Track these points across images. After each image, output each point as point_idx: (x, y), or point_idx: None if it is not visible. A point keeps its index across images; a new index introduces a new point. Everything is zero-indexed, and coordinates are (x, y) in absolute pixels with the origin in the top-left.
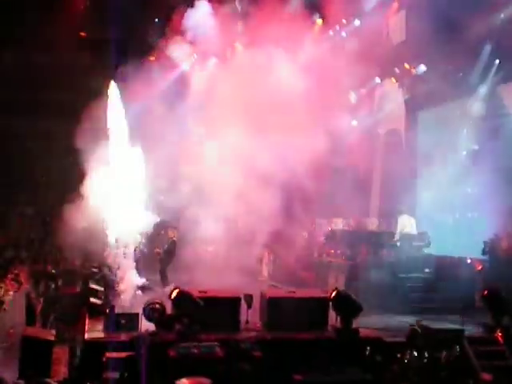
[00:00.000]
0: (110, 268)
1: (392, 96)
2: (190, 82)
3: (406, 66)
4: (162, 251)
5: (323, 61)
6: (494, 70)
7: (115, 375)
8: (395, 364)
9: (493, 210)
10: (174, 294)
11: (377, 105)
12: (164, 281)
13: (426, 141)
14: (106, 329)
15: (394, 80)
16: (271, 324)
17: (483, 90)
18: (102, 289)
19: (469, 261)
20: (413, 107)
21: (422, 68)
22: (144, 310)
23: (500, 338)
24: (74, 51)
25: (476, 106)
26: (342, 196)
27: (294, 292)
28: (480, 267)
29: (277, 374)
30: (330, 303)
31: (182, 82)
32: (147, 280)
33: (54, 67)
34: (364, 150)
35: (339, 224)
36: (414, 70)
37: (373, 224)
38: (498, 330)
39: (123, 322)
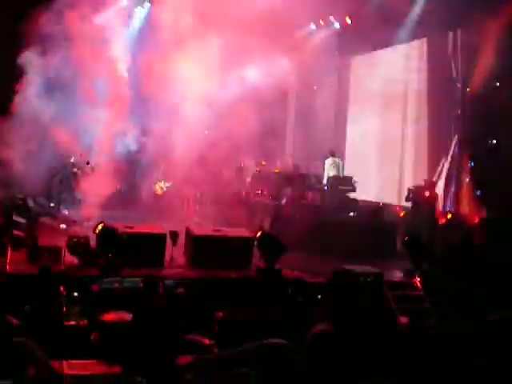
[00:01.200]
0: (34, 199)
1: None
2: None
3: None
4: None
5: None
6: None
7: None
8: (315, 305)
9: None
10: (99, 229)
11: None
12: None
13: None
14: (28, 261)
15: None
16: (195, 262)
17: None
18: (25, 221)
19: (392, 206)
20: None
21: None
22: (68, 243)
23: (418, 283)
24: None
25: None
26: (271, 136)
27: (220, 230)
28: (402, 213)
29: (199, 312)
30: (255, 243)
31: None
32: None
33: None
34: None
35: (267, 164)
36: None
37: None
38: (417, 275)
39: (46, 255)
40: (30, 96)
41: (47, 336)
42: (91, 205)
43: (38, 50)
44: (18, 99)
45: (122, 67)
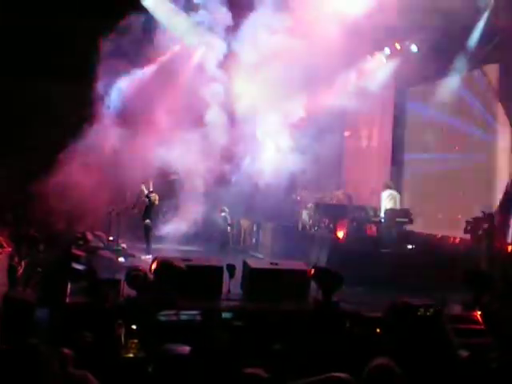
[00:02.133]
0: (93, 233)
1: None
2: None
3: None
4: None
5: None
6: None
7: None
8: (374, 338)
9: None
10: (157, 262)
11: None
12: (148, 246)
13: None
14: (87, 294)
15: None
16: (253, 295)
17: None
18: (85, 254)
19: (451, 239)
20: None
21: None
22: (126, 276)
23: (479, 317)
24: None
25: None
26: (328, 168)
27: (277, 264)
28: (460, 246)
29: (256, 345)
30: (312, 275)
31: None
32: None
33: None
34: None
35: (325, 197)
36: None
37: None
38: (477, 309)
39: (105, 288)
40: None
41: (104, 369)
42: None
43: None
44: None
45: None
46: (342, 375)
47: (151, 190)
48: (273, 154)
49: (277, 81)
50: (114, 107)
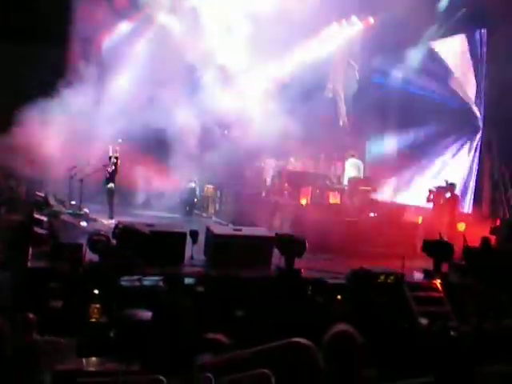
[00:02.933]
0: (56, 198)
1: None
2: None
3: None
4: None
5: None
6: None
7: (58, 304)
8: (335, 305)
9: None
10: (119, 227)
11: None
12: (111, 211)
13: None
14: (49, 258)
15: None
16: (215, 261)
17: None
18: (47, 218)
19: (412, 207)
20: None
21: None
22: (88, 240)
23: (439, 285)
24: None
25: None
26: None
27: (240, 230)
28: (421, 215)
29: (219, 311)
30: (275, 242)
31: None
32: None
33: None
34: None
35: (288, 164)
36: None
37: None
38: (438, 277)
39: (67, 252)
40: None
41: (68, 332)
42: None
43: None
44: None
45: None
46: (303, 340)
47: (117, 154)
48: (257, 119)
49: (253, 40)
50: None
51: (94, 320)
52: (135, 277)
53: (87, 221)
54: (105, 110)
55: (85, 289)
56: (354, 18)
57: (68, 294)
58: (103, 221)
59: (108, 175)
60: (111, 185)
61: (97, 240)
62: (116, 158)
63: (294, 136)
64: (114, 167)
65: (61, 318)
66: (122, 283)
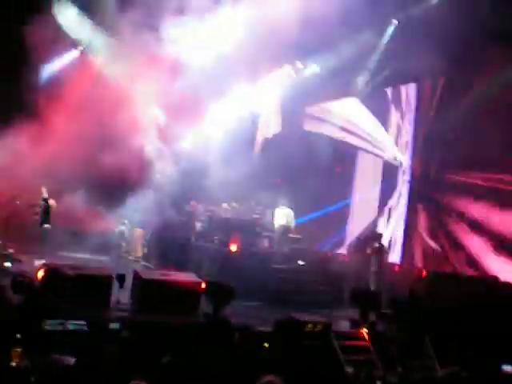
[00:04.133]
0: None
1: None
2: None
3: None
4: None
5: None
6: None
7: None
8: (262, 352)
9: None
10: (44, 269)
11: None
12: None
13: None
14: None
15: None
16: (142, 305)
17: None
18: None
19: (340, 256)
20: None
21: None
22: (12, 281)
23: (365, 334)
24: None
25: None
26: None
27: (169, 275)
28: (349, 263)
29: (144, 357)
30: (203, 289)
31: None
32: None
33: None
34: None
35: (218, 209)
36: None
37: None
38: (365, 326)
39: None
40: None
41: None
42: None
43: None
44: None
45: None
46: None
47: (47, 196)
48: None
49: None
50: None
51: (15, 364)
52: (59, 320)
53: (12, 261)
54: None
55: (7, 331)
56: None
57: None
58: (35, 261)
59: (43, 215)
60: (47, 225)
61: (20, 281)
62: (46, 199)
63: (228, 182)
64: (47, 207)
65: None
66: (46, 327)
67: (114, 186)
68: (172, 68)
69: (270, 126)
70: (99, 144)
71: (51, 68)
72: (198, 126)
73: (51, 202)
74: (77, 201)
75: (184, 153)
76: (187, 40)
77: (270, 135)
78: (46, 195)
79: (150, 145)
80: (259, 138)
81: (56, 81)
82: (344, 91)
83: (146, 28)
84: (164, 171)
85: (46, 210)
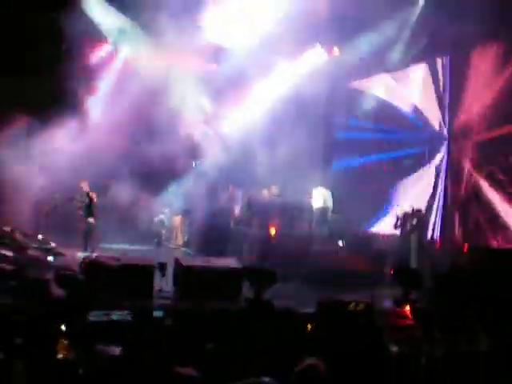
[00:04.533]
0: (21, 231)
1: None
2: None
3: None
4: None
5: None
6: None
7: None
8: (305, 334)
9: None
10: (86, 261)
11: None
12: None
13: None
14: (14, 294)
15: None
16: (184, 293)
17: None
18: (12, 253)
19: (381, 234)
20: None
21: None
22: (55, 276)
23: (408, 312)
24: None
25: None
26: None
27: (209, 261)
28: (390, 241)
29: (189, 344)
30: (244, 273)
31: None
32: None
33: None
34: None
35: (257, 194)
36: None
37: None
38: (407, 304)
39: (33, 287)
40: None
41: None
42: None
43: None
44: None
45: None
46: (266, 380)
47: (88, 190)
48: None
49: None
50: None
51: (61, 356)
52: (103, 311)
53: (54, 255)
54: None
55: (52, 325)
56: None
57: (34, 331)
58: (78, 254)
59: (86, 210)
60: (91, 219)
61: (63, 275)
62: (88, 193)
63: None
64: (89, 201)
65: (26, 356)
66: (90, 318)
67: (157, 176)
68: (214, 52)
69: None
70: (140, 135)
71: (88, 60)
72: (241, 109)
73: (93, 195)
74: (119, 192)
75: (228, 137)
76: (227, 23)
77: None
78: (87, 189)
79: (197, 132)
80: None
81: (93, 73)
82: (379, 68)
83: (182, 15)
84: (213, 157)
85: (89, 204)
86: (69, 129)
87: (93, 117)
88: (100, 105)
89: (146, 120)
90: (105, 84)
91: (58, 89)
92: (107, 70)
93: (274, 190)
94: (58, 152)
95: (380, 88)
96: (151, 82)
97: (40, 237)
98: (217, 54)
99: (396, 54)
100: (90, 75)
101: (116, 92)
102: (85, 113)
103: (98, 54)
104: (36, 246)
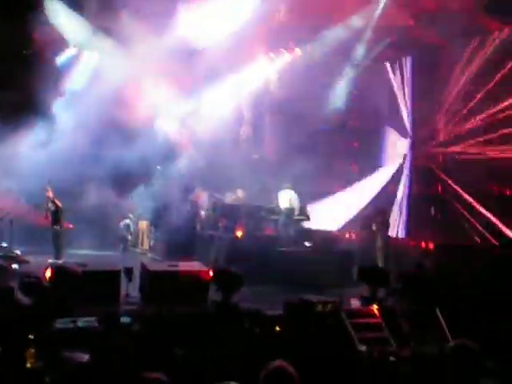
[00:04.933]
0: None
1: None
2: None
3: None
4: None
5: None
6: None
7: None
8: (273, 337)
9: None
10: (50, 270)
11: None
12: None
13: None
14: None
15: None
16: (152, 298)
17: None
18: None
19: (347, 235)
20: None
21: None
22: (20, 283)
23: (376, 311)
24: None
25: None
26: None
27: (176, 265)
28: (356, 241)
29: (157, 349)
30: (211, 277)
31: None
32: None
33: None
34: None
35: (223, 197)
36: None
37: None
38: (375, 303)
39: None
40: None
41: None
42: None
43: None
44: None
45: None
46: None
47: (52, 196)
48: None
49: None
50: None
51: (29, 365)
52: (69, 319)
53: (19, 263)
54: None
55: (19, 333)
56: (282, 50)
57: (4, 340)
58: (43, 261)
59: (54, 217)
60: (57, 226)
61: (28, 282)
62: (54, 198)
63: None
64: (55, 208)
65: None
66: (57, 325)
67: (124, 179)
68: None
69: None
70: (108, 138)
71: (53, 64)
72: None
73: (57, 202)
74: (87, 196)
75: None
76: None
77: None
78: (51, 196)
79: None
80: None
81: (62, 78)
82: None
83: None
84: (186, 158)
85: (55, 210)
86: (35, 134)
87: (59, 121)
88: (67, 108)
89: (115, 123)
90: (72, 87)
91: (25, 94)
92: (74, 74)
93: (240, 193)
94: (24, 158)
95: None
96: (120, 85)
97: (4, 244)
98: (190, 54)
99: (360, 51)
100: (55, 79)
101: (83, 95)
102: (52, 117)
103: (63, 58)
104: (0, 253)
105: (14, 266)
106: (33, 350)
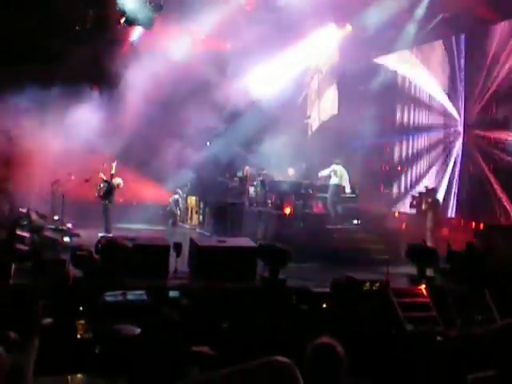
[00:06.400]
0: (38, 213)
1: None
2: None
3: None
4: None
5: None
6: None
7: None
8: (320, 314)
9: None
10: (101, 243)
11: None
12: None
13: None
14: (31, 275)
15: None
16: (200, 273)
17: None
18: (29, 235)
19: (396, 213)
20: None
21: None
22: (71, 256)
23: (424, 290)
24: None
25: None
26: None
27: (224, 241)
28: (405, 220)
29: (204, 323)
30: (259, 253)
31: None
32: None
33: None
34: None
35: (271, 173)
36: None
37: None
38: (423, 282)
39: (49, 268)
40: None
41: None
42: None
43: None
44: None
45: None
46: (282, 360)
47: (113, 173)
48: None
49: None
50: None
51: (80, 336)
52: (119, 291)
53: (70, 236)
54: (100, 126)
55: (70, 305)
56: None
57: (56, 312)
58: (94, 234)
59: (105, 193)
60: (106, 201)
61: (80, 255)
62: (112, 176)
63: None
64: (108, 187)
65: (51, 336)
66: (107, 298)
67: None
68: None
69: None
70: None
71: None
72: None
73: (115, 180)
74: (132, 174)
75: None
76: None
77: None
78: (104, 178)
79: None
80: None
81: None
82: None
83: None
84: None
85: (109, 187)
86: (99, 103)
87: (123, 92)
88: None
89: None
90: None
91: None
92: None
93: (291, 171)
94: (86, 125)
95: (402, 64)
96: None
97: (56, 217)
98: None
99: (411, 30)
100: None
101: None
102: (116, 87)
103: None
104: (52, 226)
105: (66, 239)
106: (83, 322)
